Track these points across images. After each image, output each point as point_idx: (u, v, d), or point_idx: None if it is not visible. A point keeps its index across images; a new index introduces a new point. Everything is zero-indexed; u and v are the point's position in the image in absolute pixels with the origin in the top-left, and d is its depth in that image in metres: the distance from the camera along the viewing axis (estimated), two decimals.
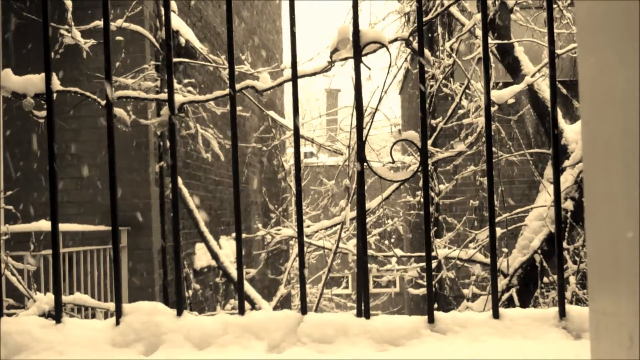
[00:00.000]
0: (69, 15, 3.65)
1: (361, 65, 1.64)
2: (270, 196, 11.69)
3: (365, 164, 1.65)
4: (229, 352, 1.48)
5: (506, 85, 3.94)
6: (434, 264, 4.66)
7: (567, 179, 4.18)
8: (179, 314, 1.58)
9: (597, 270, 0.89)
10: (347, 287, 21.62)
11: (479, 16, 4.20)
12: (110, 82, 1.65)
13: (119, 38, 4.99)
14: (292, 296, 12.22)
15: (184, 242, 6.66)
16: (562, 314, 1.54)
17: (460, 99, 4.82)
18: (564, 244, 4.42)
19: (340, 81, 34.21)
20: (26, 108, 2.28)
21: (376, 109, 2.61)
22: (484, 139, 4.60)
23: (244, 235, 7.97)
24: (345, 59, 2.07)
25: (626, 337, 0.81)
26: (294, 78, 1.67)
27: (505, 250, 4.47)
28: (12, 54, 5.50)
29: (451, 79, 5.70)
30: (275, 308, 6.19)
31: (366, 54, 1.70)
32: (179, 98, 3.30)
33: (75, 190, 5.80)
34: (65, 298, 3.20)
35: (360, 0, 2.93)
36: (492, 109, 3.93)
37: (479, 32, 4.52)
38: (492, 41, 4.26)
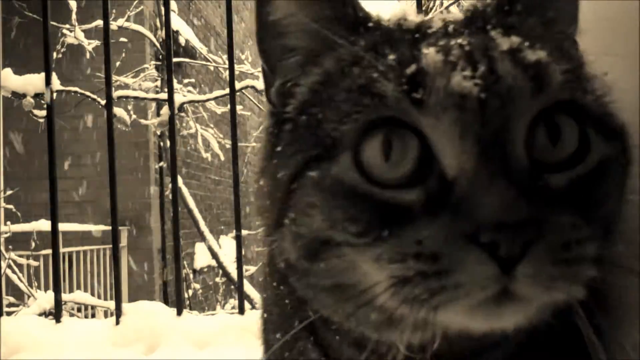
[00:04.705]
0: (74, 16, 3.65)
1: None
2: None
3: None
4: (229, 351, 1.48)
5: None
6: None
7: None
8: (179, 313, 1.58)
9: None
10: None
11: None
12: (110, 81, 1.65)
13: (122, 39, 4.98)
14: None
15: (184, 241, 6.65)
16: None
17: None
18: None
19: None
20: (26, 108, 2.28)
21: None
22: None
23: (244, 234, 7.97)
24: None
25: None
26: None
27: None
28: (13, 53, 5.49)
29: None
30: None
31: None
32: (179, 98, 3.30)
33: (75, 190, 5.80)
34: (65, 296, 3.21)
35: (359, 0, 2.92)
36: None
37: None
38: None
